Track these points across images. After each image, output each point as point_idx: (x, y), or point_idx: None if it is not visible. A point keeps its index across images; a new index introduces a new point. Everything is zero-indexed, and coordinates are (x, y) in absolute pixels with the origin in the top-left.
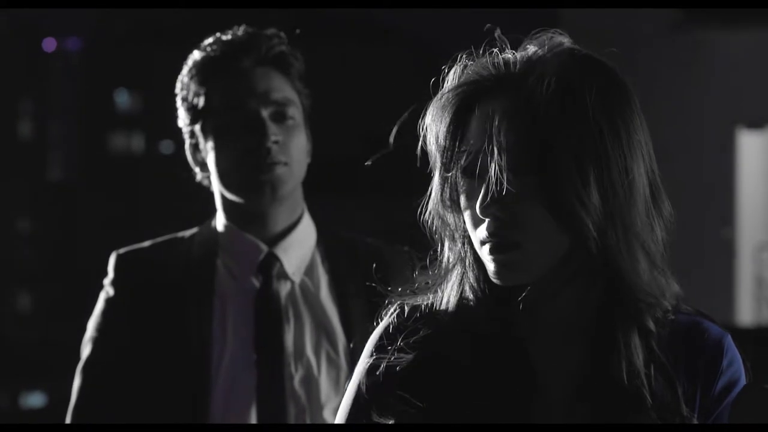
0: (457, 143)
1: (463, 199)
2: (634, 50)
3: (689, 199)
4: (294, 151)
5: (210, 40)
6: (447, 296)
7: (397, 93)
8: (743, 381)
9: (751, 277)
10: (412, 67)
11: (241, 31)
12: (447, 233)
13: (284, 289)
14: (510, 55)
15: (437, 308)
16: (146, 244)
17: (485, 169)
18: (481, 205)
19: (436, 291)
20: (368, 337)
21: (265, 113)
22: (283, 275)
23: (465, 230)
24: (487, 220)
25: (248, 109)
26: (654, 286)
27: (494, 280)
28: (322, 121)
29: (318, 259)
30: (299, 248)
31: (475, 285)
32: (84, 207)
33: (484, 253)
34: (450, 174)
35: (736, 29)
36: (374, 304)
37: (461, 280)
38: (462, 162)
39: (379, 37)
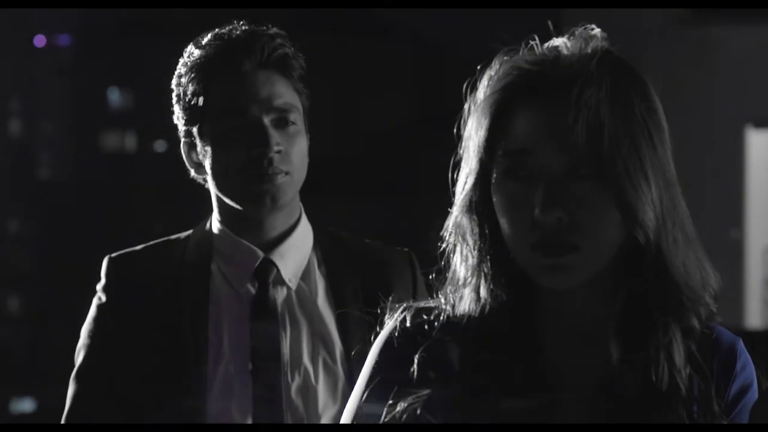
0: (499, 143)
1: (505, 203)
2: (640, 47)
3: (695, 200)
4: (295, 158)
5: (209, 36)
6: (464, 305)
7: (397, 92)
8: (755, 385)
9: (760, 279)
10: (413, 66)
11: (241, 28)
12: (466, 239)
13: (280, 295)
14: (552, 53)
15: (452, 317)
16: (139, 247)
17: (540, 171)
18: (543, 208)
19: (448, 298)
20: (366, 344)
21: (266, 120)
22: (280, 281)
23: (485, 236)
24: (544, 223)
25: (250, 116)
26: (699, 282)
27: (546, 284)
28: (322, 120)
29: (315, 263)
30: (296, 253)
31: (495, 292)
32: (76, 207)
33: (536, 257)
34: (482, 173)
35: (744, 26)
36: (373, 308)
37: (478, 288)
38: (506, 162)
39: (379, 35)
